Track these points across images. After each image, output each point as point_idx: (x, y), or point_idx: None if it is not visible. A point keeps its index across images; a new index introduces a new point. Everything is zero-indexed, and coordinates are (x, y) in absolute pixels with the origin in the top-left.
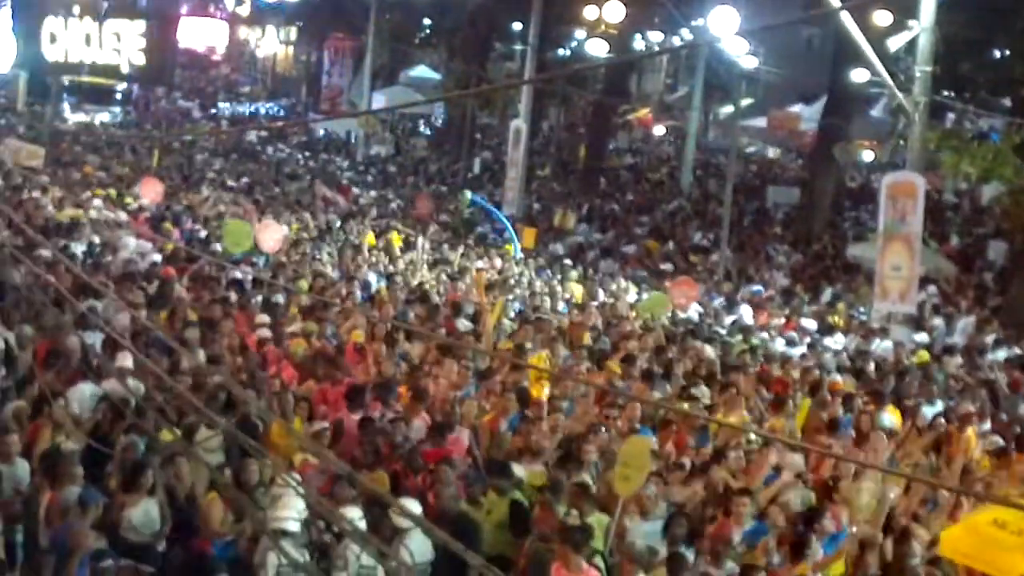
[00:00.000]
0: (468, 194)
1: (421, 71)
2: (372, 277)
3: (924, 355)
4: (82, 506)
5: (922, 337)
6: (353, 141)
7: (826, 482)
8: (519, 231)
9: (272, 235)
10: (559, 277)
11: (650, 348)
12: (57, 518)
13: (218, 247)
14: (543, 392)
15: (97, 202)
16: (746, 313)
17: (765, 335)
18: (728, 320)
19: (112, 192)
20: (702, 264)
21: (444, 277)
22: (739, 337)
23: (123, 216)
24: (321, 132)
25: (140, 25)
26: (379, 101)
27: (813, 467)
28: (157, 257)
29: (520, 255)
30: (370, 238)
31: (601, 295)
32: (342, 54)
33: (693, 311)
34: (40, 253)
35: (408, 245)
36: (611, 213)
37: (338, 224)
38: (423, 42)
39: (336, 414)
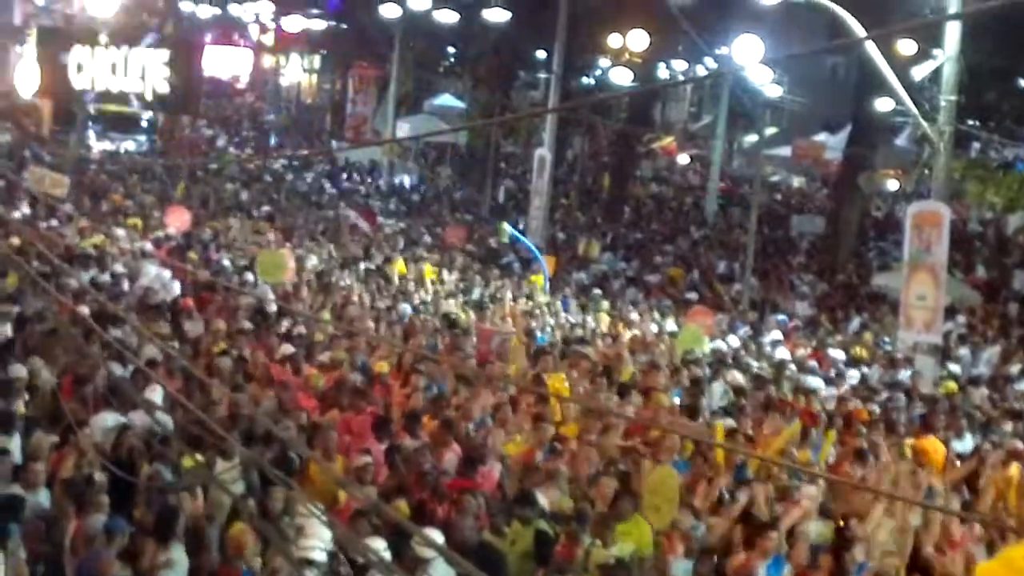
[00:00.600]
0: (507, 226)
1: (445, 99)
2: (404, 307)
3: (952, 385)
4: (108, 535)
5: (949, 367)
6: (377, 169)
7: (846, 514)
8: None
9: (290, 263)
10: (587, 307)
11: (685, 381)
12: (83, 547)
13: (249, 276)
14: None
15: (121, 232)
16: (777, 345)
17: (792, 365)
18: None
19: (138, 221)
20: (726, 293)
21: (471, 307)
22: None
23: (148, 246)
24: (343, 160)
25: (166, 53)
26: (403, 129)
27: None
28: (178, 287)
29: (548, 287)
30: (400, 266)
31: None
32: (366, 82)
33: (729, 341)
34: (65, 282)
35: (440, 277)
36: (635, 242)
37: (363, 253)
38: (447, 70)
39: (361, 443)
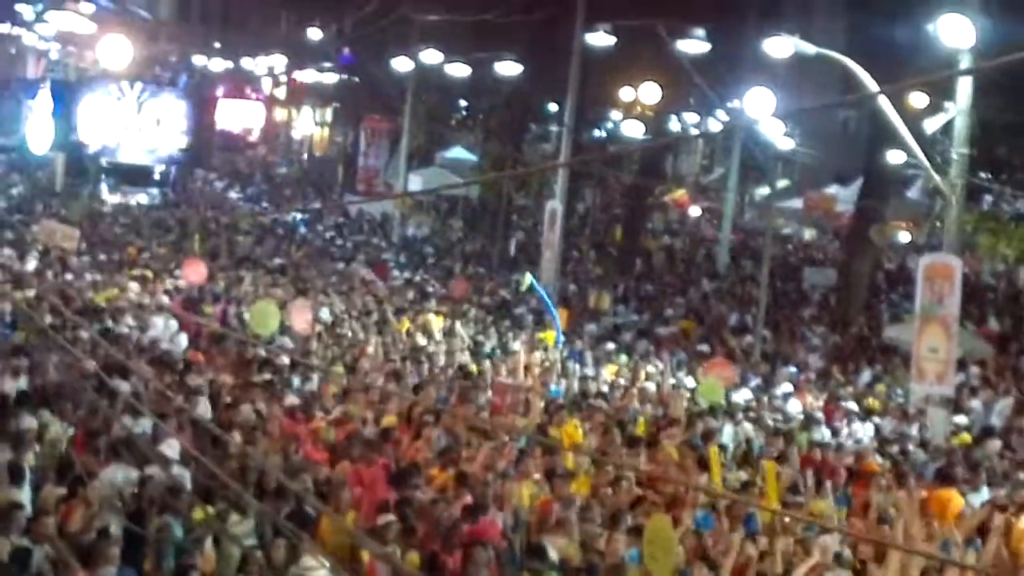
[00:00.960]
0: (529, 276)
1: (457, 152)
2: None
3: (965, 437)
4: None
5: (961, 419)
6: (389, 222)
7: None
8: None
9: (305, 316)
10: (601, 360)
11: (698, 432)
12: None
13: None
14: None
15: (134, 285)
16: (789, 397)
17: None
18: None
19: (150, 273)
20: (738, 345)
21: (484, 359)
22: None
23: (164, 299)
24: (355, 212)
25: (179, 107)
26: (415, 182)
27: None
28: (185, 339)
29: (562, 340)
30: (404, 324)
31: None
32: (378, 135)
33: (740, 393)
34: (78, 335)
35: (449, 328)
36: (646, 294)
37: (375, 306)
38: (459, 123)
39: (372, 495)
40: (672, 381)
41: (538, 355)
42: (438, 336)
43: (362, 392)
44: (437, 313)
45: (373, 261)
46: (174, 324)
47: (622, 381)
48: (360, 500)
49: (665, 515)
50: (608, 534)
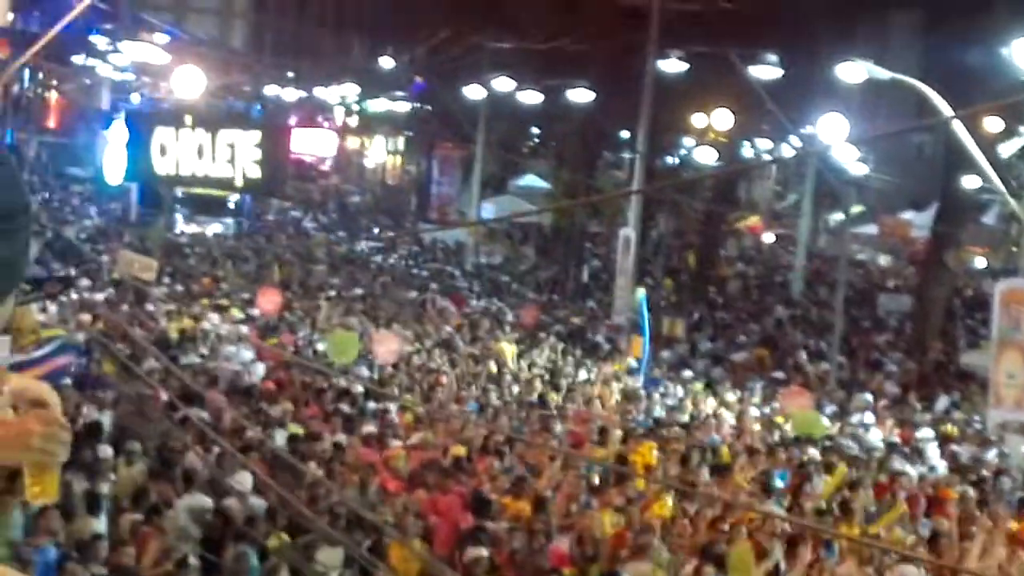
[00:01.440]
0: (641, 292)
1: (530, 180)
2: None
3: None
4: None
5: None
6: (463, 250)
7: None
8: (631, 340)
9: (388, 346)
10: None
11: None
12: None
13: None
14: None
15: (213, 315)
16: (869, 427)
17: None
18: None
19: (226, 302)
20: (813, 372)
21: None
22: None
23: (243, 328)
24: (428, 240)
25: (253, 136)
26: (488, 210)
27: None
28: (261, 368)
29: (644, 367)
30: (508, 350)
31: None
32: (451, 163)
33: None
34: (154, 367)
35: (521, 356)
36: (721, 321)
37: (451, 334)
38: (531, 151)
39: (449, 523)
40: (753, 411)
41: (615, 384)
42: (511, 365)
43: (439, 421)
44: (510, 342)
45: (448, 290)
46: (249, 353)
47: (701, 409)
48: (436, 529)
49: (747, 543)
50: (697, 563)
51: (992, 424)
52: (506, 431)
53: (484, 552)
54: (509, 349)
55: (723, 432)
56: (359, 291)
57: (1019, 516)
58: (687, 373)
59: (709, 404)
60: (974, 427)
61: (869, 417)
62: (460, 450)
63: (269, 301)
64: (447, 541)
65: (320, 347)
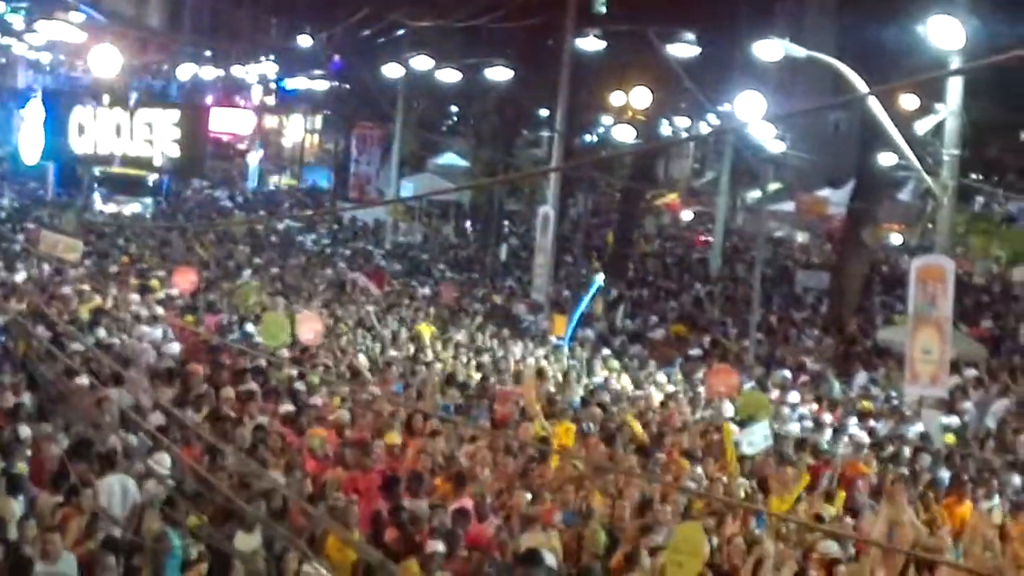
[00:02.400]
0: (600, 278)
1: (449, 158)
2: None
3: (950, 438)
4: None
5: (952, 420)
6: (381, 228)
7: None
8: (551, 318)
9: (311, 326)
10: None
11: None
12: None
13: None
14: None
15: (134, 296)
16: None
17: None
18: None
19: (155, 283)
20: (732, 349)
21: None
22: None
23: (159, 309)
24: (347, 220)
25: (172, 115)
26: (407, 188)
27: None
28: (175, 347)
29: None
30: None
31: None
32: (370, 142)
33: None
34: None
35: (444, 335)
36: (639, 298)
37: (371, 313)
38: (450, 129)
39: (368, 503)
40: (670, 387)
41: (536, 361)
42: (429, 347)
43: (362, 402)
44: (429, 324)
45: (369, 269)
46: (158, 332)
47: (619, 387)
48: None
49: (697, 523)
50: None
51: (909, 400)
52: (431, 411)
53: (441, 548)
54: (427, 331)
55: (648, 411)
56: (276, 270)
57: (950, 494)
58: (605, 351)
59: (625, 381)
60: (891, 403)
61: (794, 396)
62: (393, 438)
63: (184, 280)
64: (365, 521)
65: (248, 328)
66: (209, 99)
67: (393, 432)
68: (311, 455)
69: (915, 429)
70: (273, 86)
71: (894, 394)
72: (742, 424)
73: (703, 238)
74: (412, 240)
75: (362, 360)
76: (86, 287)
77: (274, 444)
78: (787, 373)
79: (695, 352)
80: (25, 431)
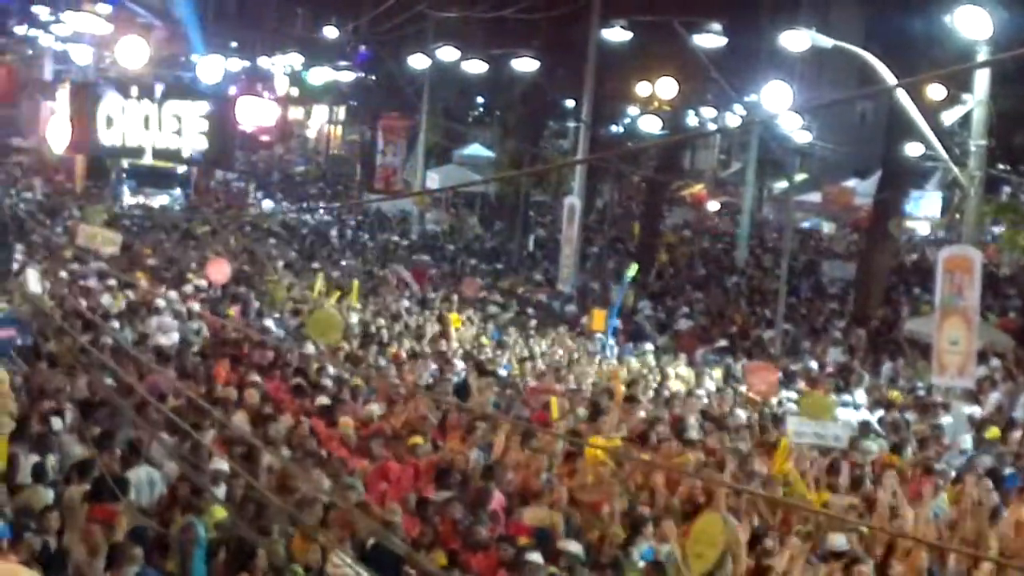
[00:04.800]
0: (634, 268)
1: (474, 149)
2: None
3: (995, 431)
4: None
5: (976, 410)
6: (408, 219)
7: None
8: (593, 312)
9: (220, 269)
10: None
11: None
12: None
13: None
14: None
15: (167, 291)
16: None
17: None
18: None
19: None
20: (758, 340)
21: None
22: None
23: (195, 305)
24: (373, 211)
25: (200, 107)
26: (433, 179)
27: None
28: (175, 337)
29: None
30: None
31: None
32: (395, 133)
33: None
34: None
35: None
36: (665, 289)
37: (407, 307)
38: (476, 121)
39: (398, 493)
40: (710, 384)
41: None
42: (453, 335)
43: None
44: (455, 314)
45: (406, 262)
46: (168, 319)
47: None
48: (384, 496)
49: (715, 513)
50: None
51: (936, 391)
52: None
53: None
54: (453, 319)
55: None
56: (316, 265)
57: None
58: (648, 346)
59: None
60: (917, 394)
61: (861, 396)
62: (419, 439)
63: (217, 271)
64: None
65: (268, 323)
66: (233, 90)
67: (418, 436)
68: (343, 444)
69: (944, 420)
70: (299, 77)
71: (920, 384)
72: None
73: (723, 228)
74: (438, 231)
75: (403, 353)
76: (112, 281)
77: (301, 431)
78: (814, 364)
79: (722, 343)
80: (57, 424)
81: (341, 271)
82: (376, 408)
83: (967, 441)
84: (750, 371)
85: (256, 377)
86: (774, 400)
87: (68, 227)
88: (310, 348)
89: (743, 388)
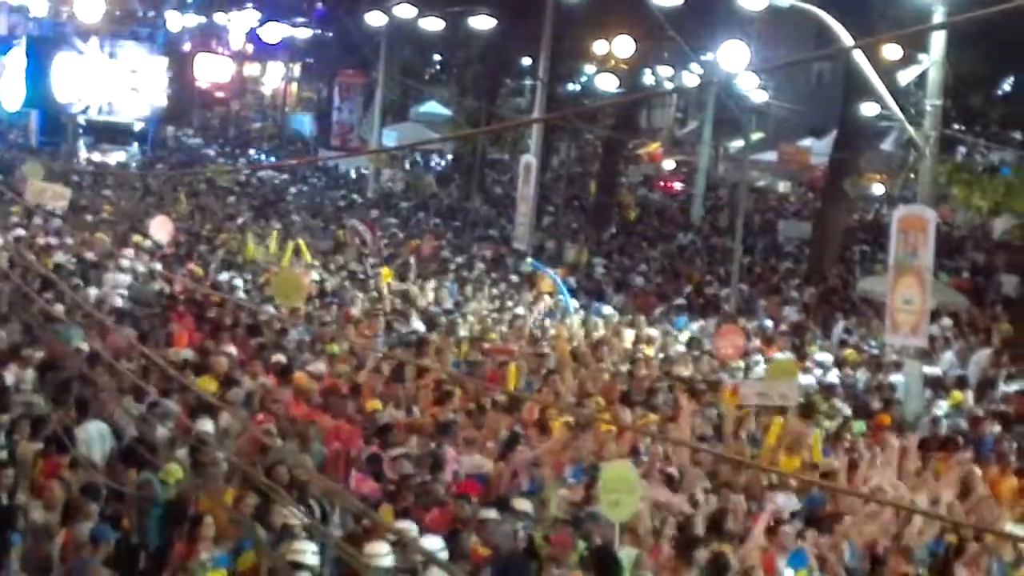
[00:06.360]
0: (530, 261)
1: (431, 107)
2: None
3: (958, 396)
4: (94, 543)
5: (932, 370)
6: (364, 176)
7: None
8: (537, 275)
9: (164, 228)
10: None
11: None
12: (71, 555)
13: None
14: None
15: (128, 250)
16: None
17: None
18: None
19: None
20: (713, 298)
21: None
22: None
23: (157, 264)
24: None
25: (158, 62)
26: (389, 137)
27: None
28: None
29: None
30: (387, 274)
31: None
32: (352, 91)
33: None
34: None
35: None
36: (620, 247)
37: (361, 263)
38: (433, 78)
39: (348, 449)
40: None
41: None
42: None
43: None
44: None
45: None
46: (123, 277)
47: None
48: (337, 455)
49: (624, 461)
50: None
51: (889, 350)
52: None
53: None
54: (384, 273)
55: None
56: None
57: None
58: (606, 308)
59: (627, 336)
60: (870, 352)
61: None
62: (376, 404)
63: (160, 229)
64: (339, 467)
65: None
66: (187, 46)
67: (375, 400)
68: (297, 401)
69: (895, 379)
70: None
71: (873, 343)
72: None
73: (676, 184)
74: (395, 188)
75: (355, 310)
76: (68, 239)
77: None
78: (768, 323)
79: (679, 301)
80: (9, 378)
81: (296, 229)
82: (321, 366)
83: (942, 407)
84: (719, 334)
85: (230, 348)
86: (740, 363)
87: (11, 184)
88: (271, 309)
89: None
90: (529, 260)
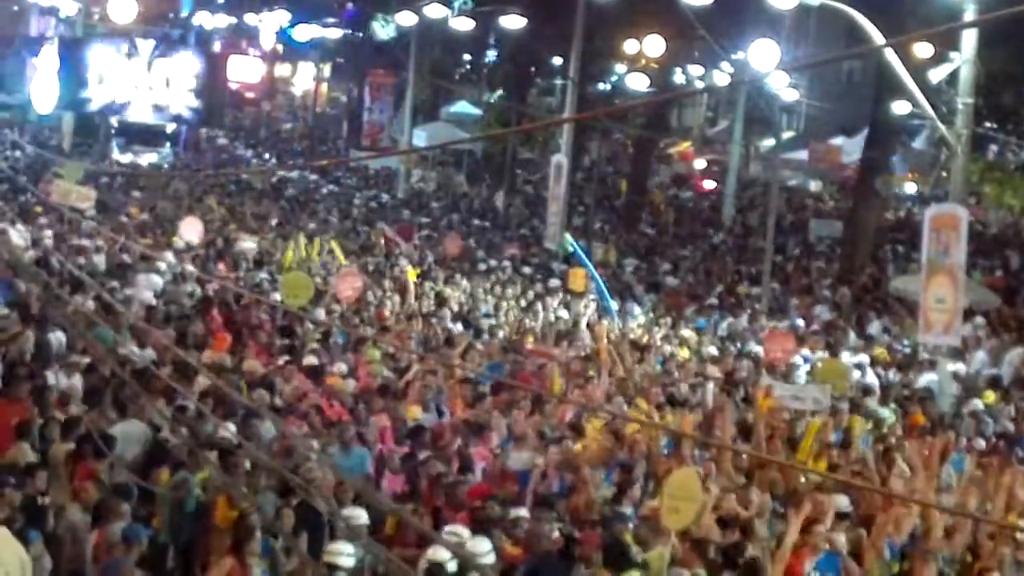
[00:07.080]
0: (568, 237)
1: (461, 107)
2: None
3: (989, 396)
4: (127, 543)
5: (961, 368)
6: (394, 176)
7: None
8: (569, 272)
9: (352, 284)
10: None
11: None
12: (104, 555)
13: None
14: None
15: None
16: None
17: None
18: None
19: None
20: (745, 298)
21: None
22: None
23: (170, 257)
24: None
25: (190, 63)
26: (420, 137)
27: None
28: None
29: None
30: (412, 272)
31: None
32: (382, 91)
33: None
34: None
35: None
36: (651, 247)
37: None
38: (463, 78)
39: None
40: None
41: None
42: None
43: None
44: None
45: (399, 224)
46: (156, 278)
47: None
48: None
49: (691, 469)
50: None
51: (922, 349)
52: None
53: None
54: (408, 272)
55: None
56: (312, 225)
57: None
58: (636, 309)
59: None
60: (903, 352)
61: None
62: (416, 412)
63: (190, 230)
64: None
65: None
66: (218, 46)
67: (415, 407)
68: (329, 402)
69: (928, 378)
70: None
71: (906, 343)
72: None
73: (707, 183)
74: (425, 188)
75: (387, 312)
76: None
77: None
78: (800, 322)
79: (711, 301)
80: (52, 379)
81: (327, 230)
82: (343, 367)
83: (978, 404)
84: (769, 338)
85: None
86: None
87: (39, 186)
88: (320, 313)
89: (752, 349)
90: (568, 238)
